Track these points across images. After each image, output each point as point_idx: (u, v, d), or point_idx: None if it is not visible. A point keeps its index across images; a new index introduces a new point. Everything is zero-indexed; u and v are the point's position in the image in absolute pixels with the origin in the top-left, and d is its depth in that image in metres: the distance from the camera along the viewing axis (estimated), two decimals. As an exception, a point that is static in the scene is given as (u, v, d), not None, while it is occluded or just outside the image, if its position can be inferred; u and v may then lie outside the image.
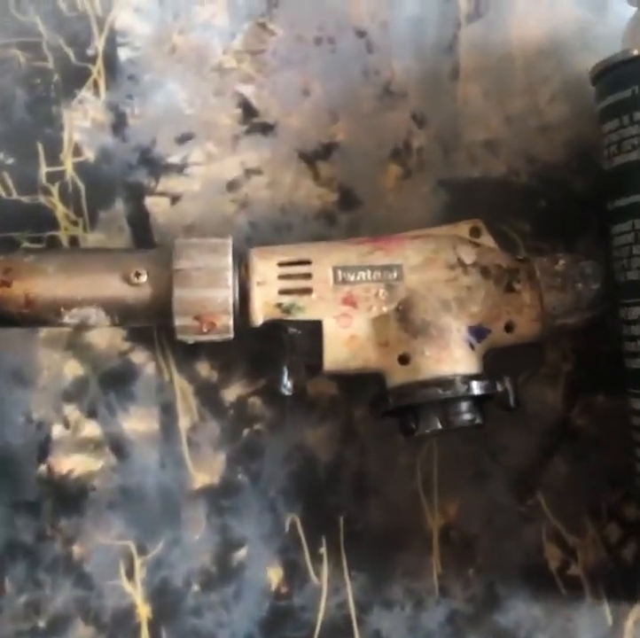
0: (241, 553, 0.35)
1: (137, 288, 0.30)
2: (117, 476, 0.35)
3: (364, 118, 0.35)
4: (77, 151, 0.35)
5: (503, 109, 0.35)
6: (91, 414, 0.35)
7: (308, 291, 0.31)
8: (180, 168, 0.35)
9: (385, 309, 0.31)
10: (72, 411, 0.35)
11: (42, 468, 0.35)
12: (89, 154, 0.35)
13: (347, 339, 0.31)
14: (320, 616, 0.35)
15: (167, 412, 0.35)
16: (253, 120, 0.35)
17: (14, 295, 0.30)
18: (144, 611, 0.35)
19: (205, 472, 0.35)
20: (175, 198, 0.35)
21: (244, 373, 0.35)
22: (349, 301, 0.31)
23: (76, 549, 0.35)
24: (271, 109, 0.35)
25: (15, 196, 0.35)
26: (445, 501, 0.35)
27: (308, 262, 0.31)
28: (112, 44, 0.35)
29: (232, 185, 0.35)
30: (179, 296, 0.30)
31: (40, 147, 0.35)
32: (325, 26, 0.35)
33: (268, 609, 0.35)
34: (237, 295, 0.31)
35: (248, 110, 0.35)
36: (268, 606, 0.35)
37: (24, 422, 0.35)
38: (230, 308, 0.30)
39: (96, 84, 0.35)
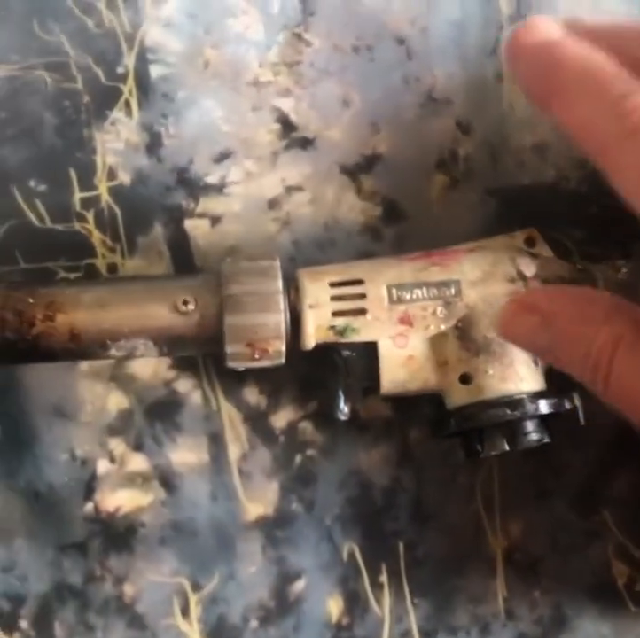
0: (299, 585, 0.34)
1: (186, 317, 0.29)
2: (167, 510, 0.33)
3: (407, 127, 0.34)
4: (112, 174, 0.34)
5: (551, 113, 0.34)
6: (138, 447, 0.33)
7: (362, 311, 0.30)
8: (219, 188, 0.34)
9: (443, 327, 0.30)
10: (117, 445, 0.33)
11: (89, 506, 0.33)
12: (125, 177, 0.34)
13: (404, 360, 0.30)
14: (384, 646, 0.34)
15: (216, 442, 0.34)
16: (292, 135, 0.34)
17: (58, 330, 0.29)
18: (201, 650, 0.33)
19: (258, 503, 0.34)
20: (215, 220, 0.34)
21: (293, 398, 0.34)
22: (406, 320, 0.30)
23: (128, 589, 0.33)
24: (311, 122, 0.34)
25: (49, 224, 0.33)
26: (507, 522, 0.34)
27: (360, 282, 0.30)
28: (143, 61, 0.34)
29: (273, 203, 0.34)
30: (230, 323, 0.29)
31: (72, 172, 0.33)
32: (363, 34, 0.34)
33: (329, 641, 0.34)
34: (288, 319, 0.30)
35: (287, 124, 0.34)
36: (329, 639, 0.34)
37: (67, 459, 0.33)
38: (283, 333, 0.29)
39: (128, 104, 0.34)
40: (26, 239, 0.33)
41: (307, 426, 0.34)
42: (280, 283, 0.29)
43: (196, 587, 0.33)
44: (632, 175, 0.24)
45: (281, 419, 0.34)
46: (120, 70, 0.34)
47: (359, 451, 0.34)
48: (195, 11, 0.34)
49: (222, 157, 0.34)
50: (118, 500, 0.33)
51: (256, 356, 0.29)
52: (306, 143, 0.34)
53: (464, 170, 0.34)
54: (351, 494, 0.34)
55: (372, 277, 0.30)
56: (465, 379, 0.30)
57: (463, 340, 0.30)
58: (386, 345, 0.30)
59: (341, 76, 0.34)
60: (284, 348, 0.29)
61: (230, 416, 0.34)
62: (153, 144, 0.34)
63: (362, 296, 0.30)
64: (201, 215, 0.34)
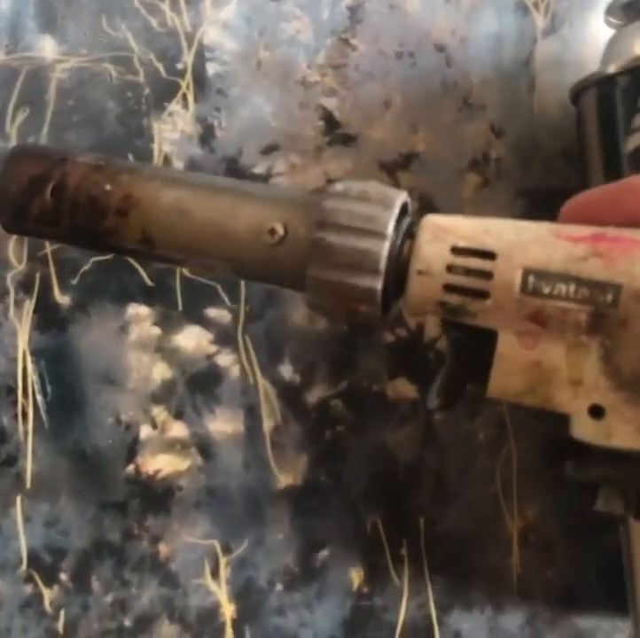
0: (324, 553, 0.35)
1: (270, 248, 0.25)
2: (203, 476, 0.35)
3: (443, 129, 0.37)
4: (167, 161, 0.36)
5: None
6: (178, 415, 0.36)
7: (483, 294, 0.23)
8: (265, 178, 0.36)
9: (584, 339, 0.22)
10: (159, 412, 0.36)
11: (130, 468, 0.35)
12: (179, 164, 0.36)
13: (527, 365, 0.23)
14: (401, 617, 0.35)
15: (252, 414, 0.36)
16: (335, 132, 0.37)
17: (130, 228, 0.26)
18: (228, 611, 0.35)
19: (288, 473, 0.36)
20: (260, 207, 0.36)
21: (326, 376, 0.36)
22: (538, 319, 0.23)
23: (162, 548, 0.35)
24: (353, 121, 0.37)
25: (107, 204, 0.36)
26: (524, 504, 0.36)
27: (492, 256, 0.23)
28: (200, 59, 0.36)
29: (315, 194, 0.36)
30: (314, 275, 0.24)
31: (131, 158, 0.36)
32: (406, 41, 0.37)
33: (350, 609, 0.35)
34: (390, 280, 0.24)
35: (331, 122, 0.37)
36: (350, 606, 0.35)
37: (113, 423, 0.35)
38: (378, 298, 0.24)
39: (185, 97, 0.36)
40: (85, 217, 0.36)
41: (337, 403, 0.36)
42: (389, 236, 0.24)
43: (226, 549, 0.35)
44: None
45: (314, 396, 0.36)
46: (179, 66, 0.37)
47: (386, 429, 0.36)
48: (251, 15, 0.37)
49: (270, 150, 0.36)
50: (158, 463, 0.35)
51: (343, 313, 0.24)
52: (348, 140, 0.36)
53: (496, 171, 0.36)
54: (377, 469, 0.36)
55: (510, 252, 0.23)
56: (596, 412, 0.23)
57: (606, 364, 0.22)
58: (508, 340, 0.23)
59: (384, 79, 0.37)
60: (379, 312, 0.24)
61: (265, 390, 0.36)
62: (206, 135, 0.36)
63: (489, 275, 0.23)
64: (248, 203, 0.36)
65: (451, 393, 0.25)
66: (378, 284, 0.23)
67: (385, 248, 0.23)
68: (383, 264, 0.23)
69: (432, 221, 0.24)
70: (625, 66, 0.31)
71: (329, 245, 0.24)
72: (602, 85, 0.32)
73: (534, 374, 0.23)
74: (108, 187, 0.26)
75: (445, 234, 0.23)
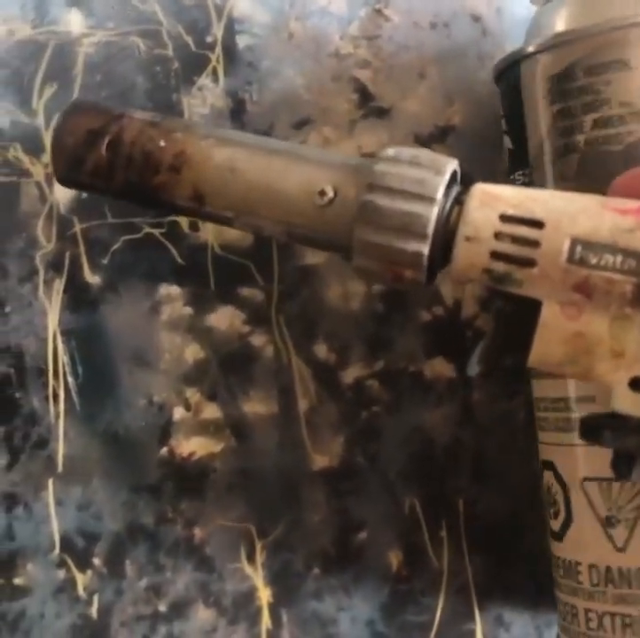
0: (361, 536, 0.35)
1: (319, 209, 0.25)
2: (237, 458, 0.35)
3: (479, 101, 0.36)
4: (197, 136, 0.35)
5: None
6: (212, 396, 0.35)
7: (530, 262, 0.23)
8: (297, 153, 0.35)
9: (628, 311, 0.23)
10: (193, 394, 0.35)
11: (164, 450, 0.35)
12: (209, 140, 0.35)
13: (569, 335, 0.23)
14: (441, 600, 0.35)
15: (286, 395, 0.35)
16: (369, 105, 0.36)
17: (182, 185, 0.26)
18: (264, 595, 0.35)
19: (324, 454, 0.35)
20: (292, 183, 0.35)
21: (361, 356, 0.35)
22: (583, 289, 0.23)
23: (197, 532, 0.35)
24: (387, 93, 0.36)
25: (137, 181, 0.35)
26: (565, 485, 0.35)
27: (540, 225, 0.23)
28: (230, 32, 0.36)
29: (349, 169, 0.35)
30: (360, 237, 0.24)
31: (160, 133, 0.35)
32: (440, 12, 0.36)
33: (388, 592, 0.35)
34: (437, 245, 0.24)
35: (365, 95, 0.36)
36: (388, 590, 0.35)
37: (145, 404, 0.35)
38: (423, 264, 0.24)
39: (214, 71, 0.36)
40: (114, 195, 0.35)
41: (373, 383, 0.35)
42: (438, 200, 0.24)
43: (262, 533, 0.35)
44: None
45: (349, 376, 0.35)
46: (208, 39, 0.36)
47: (423, 410, 0.35)
48: (282, -14, 0.36)
49: (302, 123, 0.36)
50: (191, 446, 0.35)
51: (389, 277, 0.25)
52: (382, 113, 0.36)
53: (533, 144, 0.36)
54: (414, 450, 0.35)
55: (558, 222, 0.23)
56: (637, 385, 0.23)
57: None
58: (552, 310, 0.23)
59: (419, 51, 0.36)
60: (424, 278, 0.25)
61: (300, 370, 0.35)
62: (237, 110, 0.36)
63: (536, 244, 0.23)
64: (280, 179, 0.35)
65: (493, 361, 0.25)
66: (425, 249, 0.24)
67: (433, 212, 0.24)
68: (431, 228, 0.24)
69: (481, 188, 0.24)
70: (545, 44, 0.29)
71: (377, 208, 0.24)
72: (523, 63, 0.30)
73: (576, 345, 0.23)
74: (162, 143, 0.27)
75: (494, 201, 0.24)
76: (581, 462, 0.30)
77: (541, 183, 0.30)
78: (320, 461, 0.35)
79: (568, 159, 0.29)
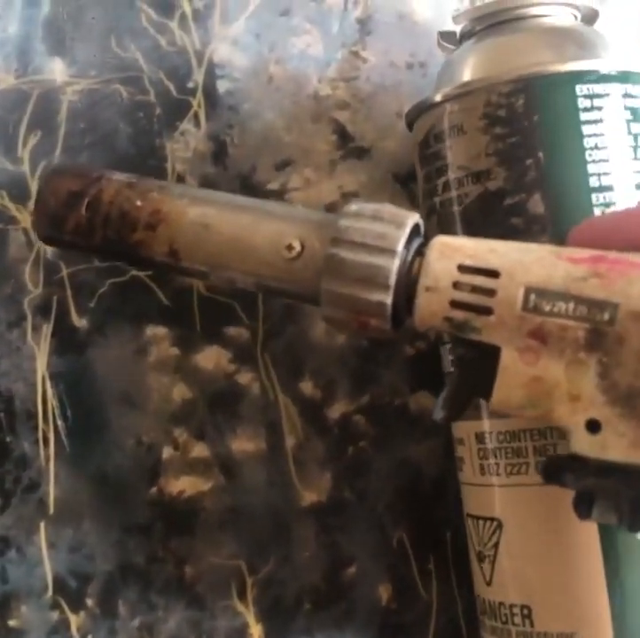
0: (351, 570, 0.35)
1: (288, 262, 0.26)
2: (226, 496, 0.35)
3: (457, 139, 0.36)
4: (180, 180, 0.36)
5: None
6: (200, 435, 0.35)
7: (487, 311, 0.24)
8: (280, 194, 0.36)
9: (582, 356, 0.23)
10: (181, 433, 0.35)
11: (153, 490, 0.35)
12: (192, 183, 0.36)
13: (528, 380, 0.24)
14: (431, 632, 0.35)
15: (273, 432, 0.36)
16: (349, 145, 0.36)
17: (158, 242, 0.28)
18: (256, 631, 0.35)
19: (312, 490, 0.35)
20: (275, 223, 0.36)
21: (347, 391, 0.36)
22: (538, 335, 0.24)
23: (188, 570, 0.35)
24: (366, 133, 0.36)
25: (122, 225, 0.36)
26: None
27: (495, 274, 0.24)
28: (211, 77, 0.36)
29: (330, 208, 0.36)
30: (328, 287, 0.25)
31: (144, 177, 0.36)
32: (416, 51, 0.37)
33: (378, 626, 0.35)
34: (400, 295, 0.25)
35: (344, 135, 0.36)
36: (378, 623, 0.35)
37: (134, 445, 0.35)
38: (387, 312, 0.25)
39: (196, 116, 0.36)
40: (100, 239, 0.36)
41: (359, 419, 0.36)
42: (399, 253, 0.25)
43: (252, 570, 0.35)
44: None
45: (335, 411, 0.36)
46: (190, 85, 0.36)
47: (409, 443, 0.36)
48: (260, 31, 0.37)
49: (283, 165, 0.36)
50: (181, 485, 0.35)
51: (355, 326, 0.26)
52: (362, 153, 0.36)
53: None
54: (401, 484, 0.35)
55: (513, 271, 0.24)
56: (593, 427, 0.23)
57: (603, 379, 0.23)
58: (510, 356, 0.24)
59: (396, 91, 0.36)
60: (388, 326, 0.26)
61: (286, 407, 0.36)
62: (219, 153, 0.36)
63: (492, 293, 0.24)
64: (263, 219, 0.36)
65: (456, 406, 0.26)
66: (388, 299, 0.25)
67: (395, 264, 0.25)
68: (393, 279, 0.25)
69: (441, 240, 0.25)
70: (452, 94, 0.30)
71: (342, 260, 0.25)
72: (431, 112, 0.31)
73: (535, 389, 0.24)
74: (139, 202, 0.28)
75: (453, 252, 0.25)
76: (464, 498, 0.32)
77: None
78: (308, 497, 0.35)
79: (431, 220, 0.31)
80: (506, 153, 0.29)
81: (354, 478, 0.35)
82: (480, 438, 0.30)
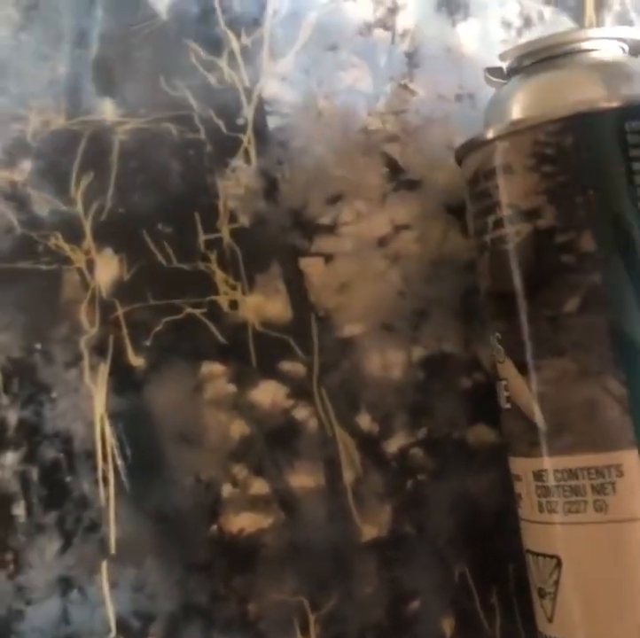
0: (413, 605, 0.35)
1: None
2: (287, 532, 0.35)
3: (508, 169, 0.36)
4: (233, 217, 0.36)
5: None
6: (259, 472, 0.35)
7: None
8: (331, 228, 0.36)
9: None
10: (240, 470, 0.35)
11: (214, 527, 0.35)
12: (244, 220, 0.36)
13: None
14: (496, 666, 0.35)
15: (332, 466, 0.35)
16: (399, 178, 0.36)
17: None
18: (320, 668, 0.35)
19: (372, 525, 0.35)
20: (328, 258, 0.36)
21: (404, 424, 0.36)
22: None
23: (251, 608, 0.35)
24: (417, 166, 0.36)
25: (176, 264, 0.36)
26: (613, 544, 0.35)
27: None
28: (260, 113, 0.37)
29: (383, 241, 0.36)
30: None
31: (197, 216, 0.36)
32: (465, 83, 0.37)
33: (443, 661, 0.35)
34: None
35: (394, 168, 0.36)
36: (443, 658, 0.35)
37: (193, 483, 0.35)
38: None
39: (247, 152, 0.36)
40: (154, 278, 0.36)
41: (417, 452, 0.36)
42: None
43: (315, 606, 0.35)
44: None
45: (393, 445, 0.36)
46: (239, 121, 0.37)
47: (468, 476, 0.35)
48: (309, 66, 0.37)
49: (334, 199, 0.36)
50: (241, 522, 0.35)
51: None
52: (413, 185, 0.36)
53: (563, 208, 0.36)
54: (461, 517, 0.35)
55: None
56: None
57: None
58: None
59: (445, 123, 0.37)
60: None
61: (344, 442, 0.36)
62: (270, 189, 0.36)
63: None
64: (315, 254, 0.36)
65: None
66: None
67: None
68: None
69: None
70: (500, 132, 0.30)
71: None
72: (480, 150, 0.31)
73: None
74: None
75: None
76: (524, 534, 0.32)
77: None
78: (368, 531, 0.35)
79: (483, 257, 0.31)
80: (556, 192, 0.29)
81: (413, 511, 0.35)
82: (537, 475, 0.30)
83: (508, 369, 0.30)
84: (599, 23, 0.37)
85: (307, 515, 0.35)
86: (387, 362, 0.36)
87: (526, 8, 0.37)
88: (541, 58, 0.31)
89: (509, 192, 0.30)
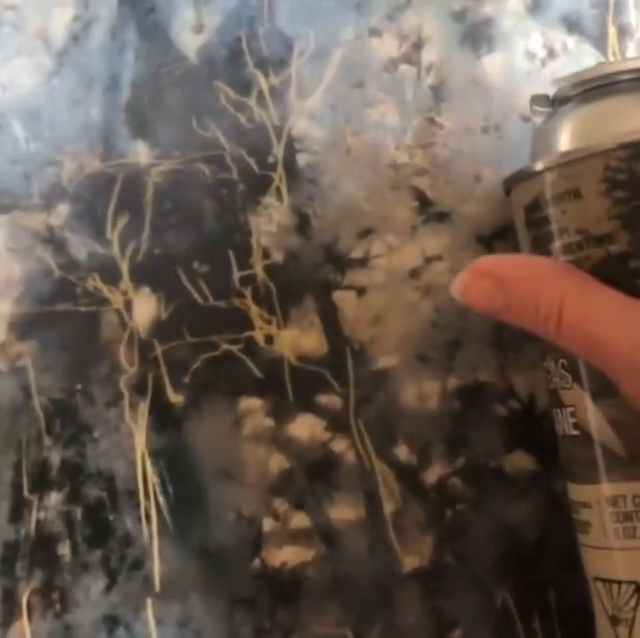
0: (456, 634, 0.35)
1: None
2: (329, 564, 0.35)
3: (536, 198, 0.37)
4: (266, 254, 0.37)
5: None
6: (299, 505, 0.36)
7: None
8: (363, 262, 0.37)
9: None
10: (280, 504, 0.36)
11: (256, 562, 0.35)
12: (278, 256, 0.37)
13: None
14: (541, 693, 0.35)
15: (371, 498, 0.36)
16: (429, 210, 0.37)
17: None
18: (365, 699, 0.35)
19: (413, 555, 0.36)
20: (360, 291, 0.37)
21: (442, 454, 0.36)
22: None
23: (295, 641, 0.35)
24: (446, 198, 0.37)
25: (212, 301, 0.37)
26: (654, 569, 0.35)
27: None
28: (290, 151, 0.37)
29: (414, 273, 0.37)
30: None
31: (231, 253, 0.37)
32: (491, 115, 0.37)
33: (488, 689, 0.35)
34: None
35: (424, 201, 0.37)
36: (487, 686, 0.35)
37: (235, 518, 0.36)
38: None
39: (278, 190, 0.37)
40: (191, 316, 0.36)
41: (456, 481, 0.36)
42: None
43: (358, 637, 0.35)
44: None
45: (431, 475, 0.36)
46: (270, 160, 0.37)
47: (507, 504, 0.36)
48: (336, 103, 0.37)
49: (365, 233, 0.37)
50: (283, 556, 0.35)
51: None
52: (442, 217, 0.37)
53: (592, 235, 0.36)
54: (501, 545, 0.35)
55: None
56: None
57: None
58: None
59: (473, 155, 0.37)
60: None
61: (383, 473, 0.36)
62: (302, 225, 0.37)
63: None
64: (348, 287, 0.37)
65: None
66: None
67: None
68: None
69: None
70: (565, 159, 0.30)
71: None
72: (540, 177, 0.31)
73: None
74: None
75: None
76: (590, 562, 0.32)
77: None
78: (410, 562, 0.35)
79: None
80: (629, 217, 0.29)
81: (454, 541, 0.36)
82: (613, 501, 0.30)
83: (576, 395, 0.30)
84: (622, 51, 0.38)
85: (348, 547, 0.36)
86: (423, 393, 0.36)
87: (549, 39, 0.37)
88: (594, 86, 0.31)
89: (576, 218, 0.30)
